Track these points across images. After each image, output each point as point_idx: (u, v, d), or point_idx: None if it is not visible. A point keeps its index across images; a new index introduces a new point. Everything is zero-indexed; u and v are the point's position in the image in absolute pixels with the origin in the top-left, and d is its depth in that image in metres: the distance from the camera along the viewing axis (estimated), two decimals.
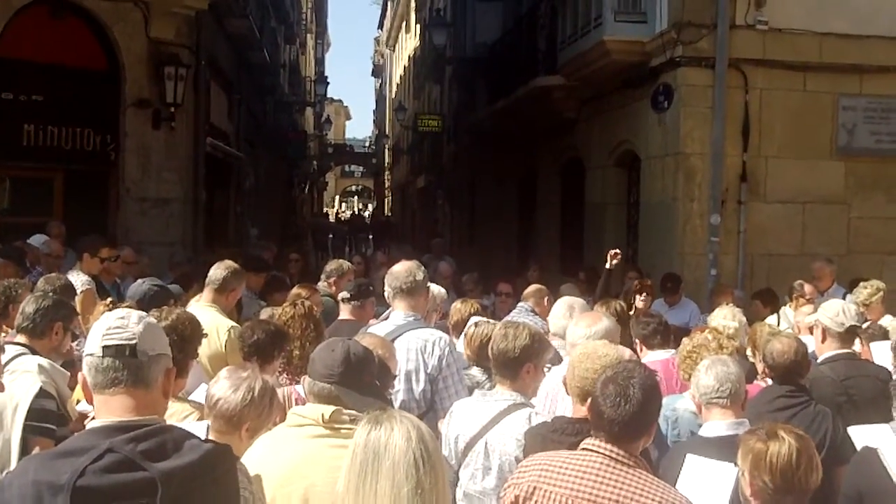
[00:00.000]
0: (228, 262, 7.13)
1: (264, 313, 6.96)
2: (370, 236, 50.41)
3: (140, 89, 13.69)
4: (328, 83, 52.76)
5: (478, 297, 9.44)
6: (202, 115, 15.44)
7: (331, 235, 44.77)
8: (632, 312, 8.63)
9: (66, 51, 13.20)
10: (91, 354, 2.75)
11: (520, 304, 7.89)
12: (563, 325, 6.37)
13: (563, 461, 3.57)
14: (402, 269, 5.80)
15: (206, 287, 6.96)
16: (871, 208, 12.79)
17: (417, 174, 44.61)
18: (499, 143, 22.30)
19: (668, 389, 5.58)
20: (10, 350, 5.01)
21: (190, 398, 4.67)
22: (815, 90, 12.58)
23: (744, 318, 6.90)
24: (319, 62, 62.72)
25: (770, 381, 5.60)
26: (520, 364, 4.65)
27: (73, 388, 5.58)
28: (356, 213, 76.92)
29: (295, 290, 8.31)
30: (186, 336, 4.79)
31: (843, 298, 7.90)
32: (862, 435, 4.65)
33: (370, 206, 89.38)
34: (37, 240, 9.97)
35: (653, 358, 6.13)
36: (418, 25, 43.44)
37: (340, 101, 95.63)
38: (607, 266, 9.88)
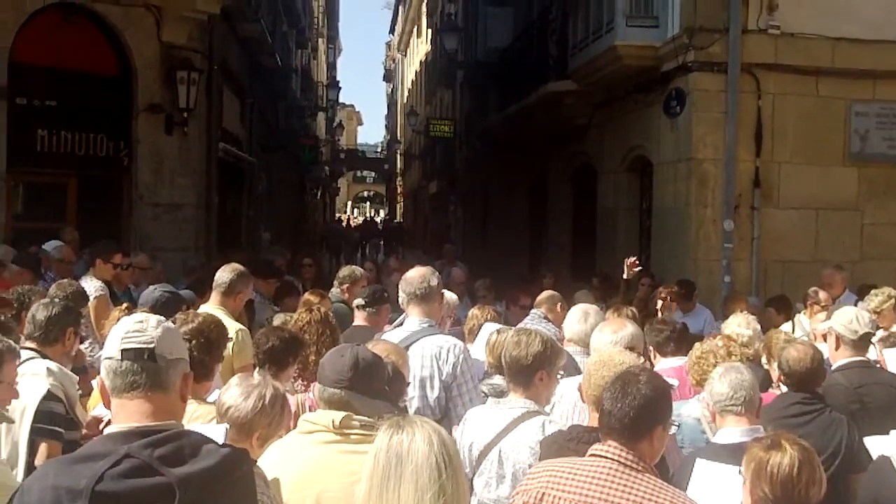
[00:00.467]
0: (234, 265, 7.14)
1: (277, 319, 6.97)
2: (381, 242, 50.49)
3: (152, 94, 13.73)
4: (340, 88, 52.98)
5: (490, 303, 9.43)
6: (215, 120, 15.49)
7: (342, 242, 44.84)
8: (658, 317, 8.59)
9: (79, 56, 13.24)
10: (110, 358, 2.77)
11: (532, 310, 7.86)
12: (578, 331, 6.37)
13: (571, 467, 3.57)
14: (417, 275, 5.80)
15: (213, 290, 6.98)
16: (884, 215, 12.72)
17: (429, 179, 44.63)
18: (510, 149, 22.29)
19: (681, 396, 5.57)
20: (21, 355, 5.00)
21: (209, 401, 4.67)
22: (827, 95, 12.53)
23: (758, 326, 6.87)
24: (331, 67, 62.88)
25: (785, 389, 5.57)
26: (532, 371, 4.64)
27: (87, 394, 5.61)
28: (368, 218, 76.94)
29: (306, 297, 8.31)
30: (212, 339, 4.81)
31: (855, 305, 7.86)
32: (878, 445, 4.63)
33: (382, 212, 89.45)
34: (51, 246, 9.99)
35: (666, 365, 6.12)
36: (430, 30, 43.51)
37: (352, 106, 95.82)
38: (625, 276, 9.86)
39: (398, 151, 67.13)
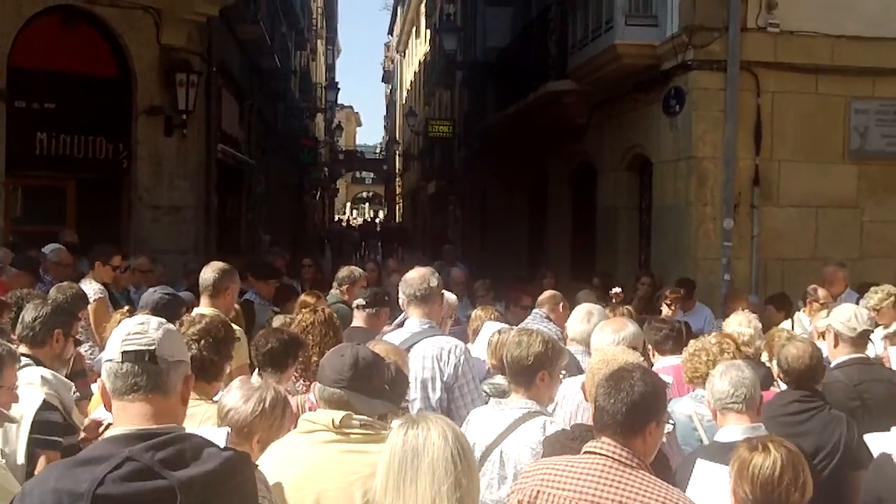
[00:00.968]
0: (216, 263, 7.03)
1: (276, 321, 6.96)
2: (379, 242, 50.68)
3: (151, 96, 13.73)
4: (339, 89, 53.04)
5: (490, 304, 9.43)
6: (214, 122, 15.49)
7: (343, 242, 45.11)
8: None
9: (78, 59, 13.23)
10: (110, 360, 2.76)
11: (534, 310, 7.86)
12: (581, 331, 6.37)
13: (565, 464, 3.59)
14: (417, 276, 5.79)
15: (200, 293, 6.91)
16: (884, 212, 12.72)
17: (428, 180, 44.63)
18: (510, 148, 22.28)
19: (678, 394, 5.59)
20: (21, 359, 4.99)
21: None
22: (827, 93, 12.53)
23: (759, 325, 6.87)
24: (330, 68, 62.93)
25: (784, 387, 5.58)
26: (534, 371, 4.63)
27: (86, 397, 5.59)
28: (368, 219, 77.01)
29: (302, 297, 8.30)
30: (221, 339, 4.79)
31: (856, 303, 7.86)
32: (879, 442, 4.63)
33: (381, 213, 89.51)
34: (49, 249, 9.98)
35: (665, 363, 6.12)
36: (428, 31, 43.55)
37: (351, 107, 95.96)
38: (613, 301, 10.03)
39: (397, 152, 67.12)
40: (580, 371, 5.77)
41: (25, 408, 4.75)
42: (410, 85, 58.76)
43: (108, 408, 2.81)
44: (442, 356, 5.45)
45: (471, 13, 28.32)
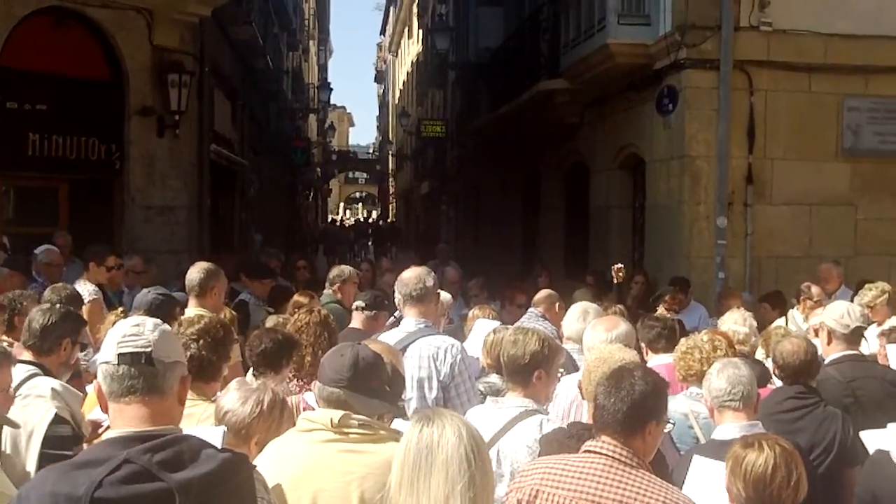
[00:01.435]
0: (200, 263, 7.07)
1: (270, 321, 6.94)
2: (368, 242, 50.80)
3: (144, 97, 13.68)
4: (331, 89, 52.83)
5: (484, 303, 9.43)
6: (206, 123, 15.46)
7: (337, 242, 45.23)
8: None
9: (70, 60, 13.18)
10: (106, 362, 2.75)
11: (530, 309, 7.86)
12: (577, 330, 6.38)
13: (565, 464, 3.58)
14: (412, 276, 5.78)
15: (188, 294, 6.91)
16: (877, 210, 12.74)
17: (421, 180, 44.69)
18: (502, 148, 22.29)
19: (672, 393, 5.57)
20: (21, 371, 4.90)
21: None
22: (819, 91, 12.54)
23: (754, 323, 6.88)
24: (322, 68, 62.91)
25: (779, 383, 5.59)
26: (530, 370, 4.63)
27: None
28: (361, 219, 77.01)
29: (295, 298, 8.29)
30: (219, 339, 4.78)
31: (851, 301, 7.88)
32: (875, 438, 4.64)
33: (374, 213, 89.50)
34: (41, 250, 9.95)
35: (658, 362, 6.11)
36: (421, 31, 43.55)
37: (343, 107, 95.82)
38: (615, 281, 9.96)
39: (390, 152, 67.13)
40: (576, 369, 5.77)
41: (37, 421, 4.71)
42: (403, 85, 58.78)
43: (105, 410, 2.80)
44: (438, 355, 5.44)
45: (463, 13, 28.33)
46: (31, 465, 4.68)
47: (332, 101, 59.63)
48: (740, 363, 4.74)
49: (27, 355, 5.21)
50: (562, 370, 4.92)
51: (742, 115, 12.34)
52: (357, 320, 7.08)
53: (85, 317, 7.69)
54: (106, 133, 13.58)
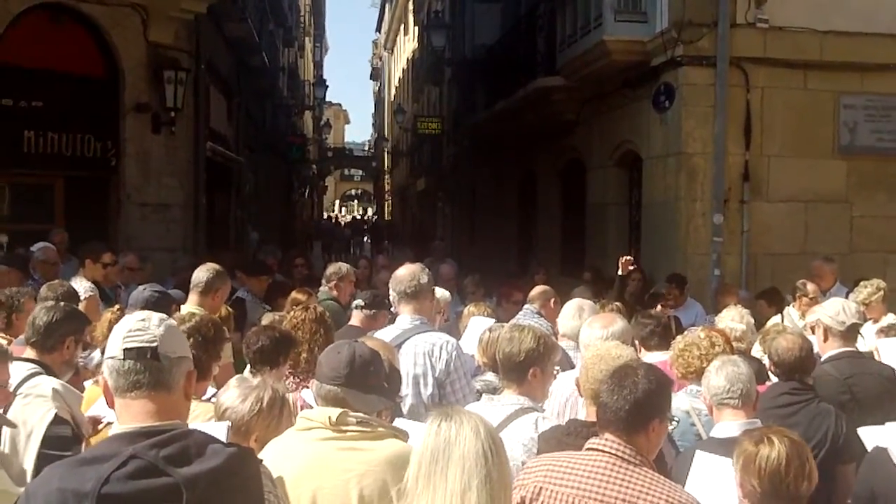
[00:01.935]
0: (211, 264, 7.14)
1: (266, 318, 6.93)
2: (365, 239, 50.83)
3: (139, 94, 13.67)
4: (327, 86, 52.81)
5: (480, 300, 9.41)
6: (202, 120, 15.43)
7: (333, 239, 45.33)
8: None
9: (65, 56, 13.17)
10: (112, 357, 2.75)
11: (525, 306, 7.84)
12: (572, 327, 6.37)
13: (568, 461, 3.58)
14: (407, 274, 5.77)
15: (190, 290, 6.96)
16: (873, 207, 12.76)
17: (417, 177, 44.65)
18: (499, 145, 22.29)
19: None
20: (22, 369, 4.89)
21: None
22: (816, 88, 12.56)
23: (752, 320, 6.89)
24: (318, 65, 62.84)
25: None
26: (525, 368, 4.62)
27: None
28: (357, 216, 77.04)
29: (293, 295, 8.28)
30: (210, 337, 4.78)
31: (846, 297, 7.89)
32: (873, 435, 4.64)
33: (370, 210, 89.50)
34: (37, 247, 9.93)
35: (651, 360, 6.09)
36: (417, 27, 43.50)
37: (339, 104, 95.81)
38: (620, 273, 9.91)
39: (385, 149, 67.07)
40: (571, 366, 5.77)
41: (37, 422, 4.71)
42: (399, 82, 58.73)
43: (111, 405, 2.80)
44: (433, 352, 5.42)
45: (459, 10, 28.30)
46: (28, 464, 4.67)
47: (327, 98, 59.69)
48: (739, 361, 4.74)
49: (29, 352, 5.18)
50: (557, 367, 4.91)
51: (738, 112, 12.35)
52: (356, 318, 7.08)
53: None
54: (101, 130, 13.58)
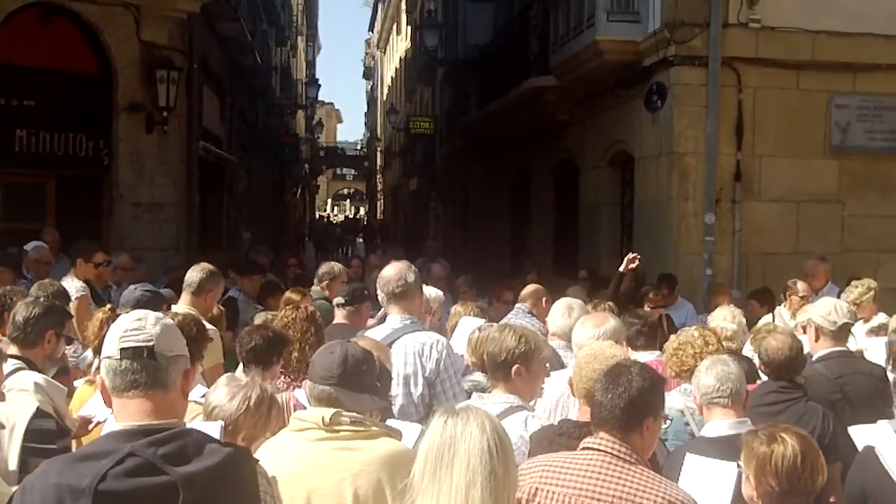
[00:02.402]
0: (204, 265, 7.16)
1: (258, 318, 6.94)
2: (357, 238, 50.85)
3: (132, 93, 13.64)
4: (319, 86, 52.78)
5: (472, 299, 9.40)
6: (195, 119, 15.40)
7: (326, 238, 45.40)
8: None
9: (58, 55, 13.13)
10: (109, 357, 2.75)
11: (517, 305, 7.84)
12: (562, 326, 6.37)
13: (564, 461, 3.58)
14: (394, 273, 5.75)
15: (183, 290, 6.97)
16: (865, 206, 12.79)
17: (410, 177, 44.64)
18: (491, 145, 22.30)
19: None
20: (7, 365, 4.89)
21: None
22: (808, 88, 12.59)
23: (743, 320, 6.90)
24: (310, 65, 62.77)
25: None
26: (508, 367, 4.61)
27: (68, 395, 5.54)
28: (349, 216, 77.01)
29: (287, 295, 8.29)
30: (193, 337, 4.78)
31: (838, 297, 7.91)
32: (863, 434, 4.65)
33: (363, 210, 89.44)
34: (31, 246, 9.92)
35: (638, 359, 6.11)
36: (409, 27, 43.48)
37: (332, 103, 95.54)
38: (621, 269, 9.84)
39: (378, 149, 67.03)
40: (562, 366, 5.77)
41: (19, 415, 4.71)
42: (391, 81, 58.68)
43: (109, 404, 2.80)
44: (423, 351, 5.42)
45: (452, 9, 28.32)
46: (13, 459, 4.67)
47: (320, 98, 59.57)
48: (729, 360, 4.75)
49: (13, 349, 5.21)
50: (547, 365, 4.91)
51: (730, 112, 12.38)
52: (340, 316, 7.13)
53: (73, 313, 7.70)
54: (94, 129, 13.57)
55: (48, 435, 4.74)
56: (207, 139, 17.12)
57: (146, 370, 2.72)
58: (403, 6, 48.33)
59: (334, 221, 63.82)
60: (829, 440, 5.02)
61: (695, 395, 4.70)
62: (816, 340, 6.20)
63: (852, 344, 6.65)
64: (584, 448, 3.60)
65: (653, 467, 3.68)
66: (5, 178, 13.17)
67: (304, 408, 4.03)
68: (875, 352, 6.77)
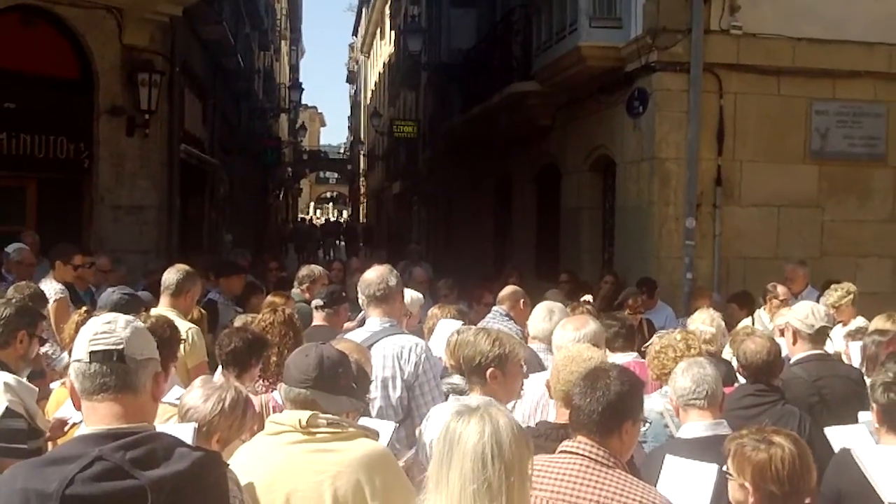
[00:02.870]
0: (180, 266, 7.17)
1: (238, 320, 6.93)
2: (338, 241, 50.80)
3: (113, 96, 13.62)
4: (303, 89, 52.80)
5: (453, 303, 9.39)
6: (176, 122, 15.38)
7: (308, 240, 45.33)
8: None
9: (39, 58, 13.09)
10: (78, 360, 2.72)
11: (494, 308, 7.80)
12: (543, 329, 6.37)
13: (541, 464, 3.55)
14: (375, 276, 5.75)
15: (161, 293, 6.95)
16: (844, 211, 12.86)
17: (393, 180, 44.64)
18: (474, 150, 22.32)
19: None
20: None
21: (163, 400, 4.61)
22: (788, 94, 12.65)
23: (722, 323, 6.92)
24: (294, 68, 62.71)
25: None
26: (483, 370, 4.60)
27: (44, 397, 5.52)
28: (331, 219, 76.85)
29: (270, 298, 8.28)
30: (165, 339, 4.78)
31: (817, 301, 7.95)
32: (839, 436, 4.68)
33: (345, 213, 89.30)
34: (12, 248, 9.88)
35: (615, 361, 6.12)
36: (393, 32, 43.48)
37: (315, 107, 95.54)
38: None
39: (361, 152, 66.93)
40: (542, 369, 5.77)
41: None
42: (375, 86, 58.64)
43: (78, 407, 2.77)
44: (402, 355, 5.42)
45: (435, 14, 28.31)
46: None
47: (303, 101, 59.56)
48: (705, 362, 4.77)
49: None
50: (525, 367, 4.91)
51: (711, 118, 12.42)
52: (318, 318, 7.14)
53: (51, 316, 7.67)
54: (75, 132, 13.53)
55: (18, 435, 4.71)
56: (189, 142, 17.08)
57: (116, 373, 2.69)
58: (387, 11, 48.34)
59: (316, 224, 63.63)
60: (807, 443, 5.04)
61: (671, 397, 4.71)
62: (794, 343, 6.24)
63: (830, 347, 6.69)
64: (561, 451, 3.59)
65: (630, 468, 3.68)
66: None
67: (283, 409, 4.02)
68: (856, 355, 6.81)
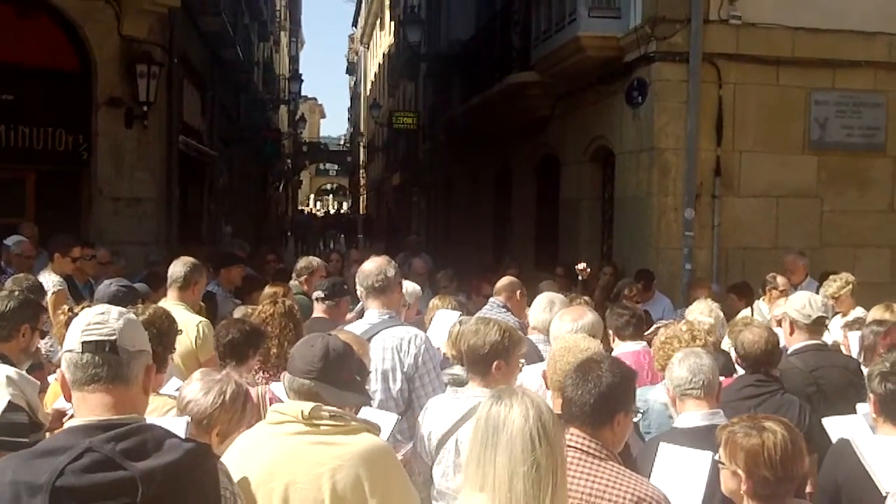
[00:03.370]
0: (185, 258, 7.13)
1: (238, 312, 6.93)
2: (342, 233, 50.79)
3: (112, 88, 13.60)
4: (302, 81, 52.77)
5: (452, 294, 9.39)
6: (175, 114, 15.37)
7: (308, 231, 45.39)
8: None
9: (37, 50, 13.09)
10: (70, 350, 2.71)
11: (491, 299, 7.77)
12: (543, 320, 6.38)
13: None
14: (373, 268, 5.73)
15: (168, 286, 6.94)
16: (843, 202, 12.87)
17: (393, 171, 44.63)
18: (474, 140, 22.30)
19: (638, 381, 5.59)
20: None
21: (161, 392, 4.62)
22: (787, 84, 12.64)
23: (721, 314, 6.90)
24: (293, 60, 62.65)
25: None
26: (489, 360, 4.59)
27: (42, 389, 5.52)
28: (331, 211, 76.86)
29: (268, 289, 8.27)
30: (164, 330, 4.78)
31: (816, 292, 7.95)
32: (837, 426, 4.68)
33: (345, 204, 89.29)
34: (12, 240, 9.87)
35: (624, 349, 6.12)
36: (393, 22, 43.45)
37: (315, 98, 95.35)
38: (580, 278, 10.07)
39: (361, 144, 66.97)
40: (541, 359, 5.77)
41: None
42: (375, 77, 58.61)
43: (69, 398, 2.76)
44: (402, 346, 5.41)
45: (435, 5, 28.28)
46: None
47: (303, 93, 59.49)
48: (702, 352, 4.77)
49: None
50: (522, 360, 4.92)
51: (711, 108, 12.41)
52: (319, 310, 7.12)
53: (50, 308, 7.67)
54: (73, 124, 13.52)
55: (20, 429, 4.70)
56: (188, 134, 17.08)
57: (107, 364, 2.68)
58: (387, 1, 48.29)
59: (317, 216, 63.64)
60: (805, 432, 5.03)
61: (668, 387, 4.71)
62: (791, 334, 6.25)
63: (828, 337, 6.69)
64: None
65: (626, 458, 3.68)
66: None
67: (281, 402, 4.01)
68: (855, 346, 6.82)
